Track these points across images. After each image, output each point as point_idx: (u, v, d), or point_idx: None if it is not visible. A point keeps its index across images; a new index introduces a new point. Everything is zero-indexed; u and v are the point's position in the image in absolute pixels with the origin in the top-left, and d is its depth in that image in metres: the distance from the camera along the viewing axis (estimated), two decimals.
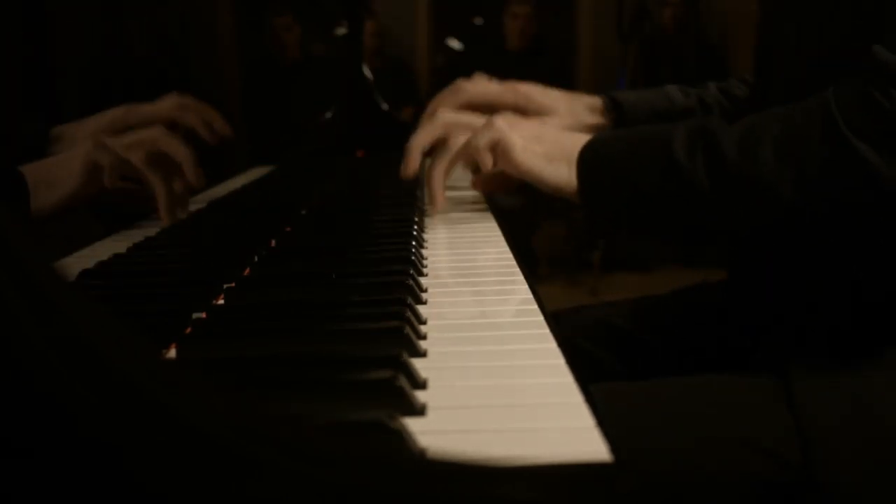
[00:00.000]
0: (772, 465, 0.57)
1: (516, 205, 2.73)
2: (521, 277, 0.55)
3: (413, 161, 0.79)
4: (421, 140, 0.80)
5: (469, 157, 0.75)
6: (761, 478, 0.57)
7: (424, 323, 0.44)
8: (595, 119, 0.87)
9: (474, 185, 0.84)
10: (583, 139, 0.68)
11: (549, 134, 0.72)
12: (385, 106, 1.39)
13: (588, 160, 0.66)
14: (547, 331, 0.42)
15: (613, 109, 0.86)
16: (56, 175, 0.68)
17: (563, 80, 3.83)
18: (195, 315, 0.45)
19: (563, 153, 0.68)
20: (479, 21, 4.23)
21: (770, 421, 0.59)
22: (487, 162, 0.72)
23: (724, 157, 0.58)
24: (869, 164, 0.54)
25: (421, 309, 0.46)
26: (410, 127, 0.87)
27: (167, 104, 0.87)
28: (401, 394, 0.32)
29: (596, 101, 0.87)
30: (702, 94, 0.90)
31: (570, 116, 0.85)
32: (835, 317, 0.65)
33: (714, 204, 0.60)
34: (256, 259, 0.59)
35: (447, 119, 0.80)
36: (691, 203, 0.61)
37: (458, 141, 0.75)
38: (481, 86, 0.89)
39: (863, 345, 0.62)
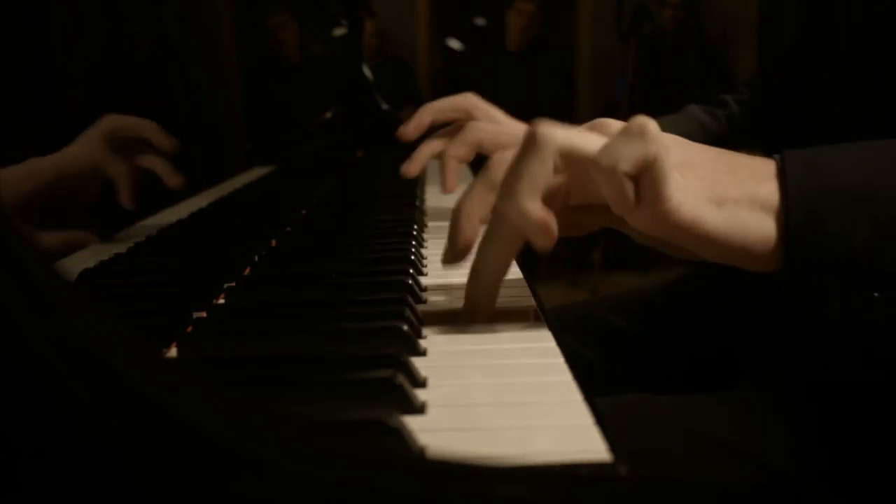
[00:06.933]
0: (760, 474, 0.57)
1: None
2: (520, 276, 0.55)
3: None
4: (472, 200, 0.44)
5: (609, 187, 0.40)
6: (750, 486, 0.56)
7: (424, 322, 0.44)
8: None
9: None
10: (758, 166, 0.42)
11: (703, 157, 0.42)
12: (385, 106, 1.40)
13: (817, 198, 0.40)
14: (546, 329, 0.42)
15: None
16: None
17: (563, 80, 3.84)
18: (196, 314, 0.45)
19: (746, 192, 0.41)
20: (479, 21, 4.23)
21: (758, 432, 0.59)
22: (629, 198, 0.40)
23: None
24: None
25: (421, 308, 0.46)
26: None
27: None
28: (401, 392, 0.32)
29: None
30: (729, 114, 0.85)
31: None
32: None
33: None
34: (256, 259, 0.60)
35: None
36: None
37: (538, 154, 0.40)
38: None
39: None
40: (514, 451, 0.28)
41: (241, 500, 0.19)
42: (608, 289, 3.01)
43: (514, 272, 0.57)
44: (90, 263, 0.58)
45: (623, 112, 3.03)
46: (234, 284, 0.52)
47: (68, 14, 0.79)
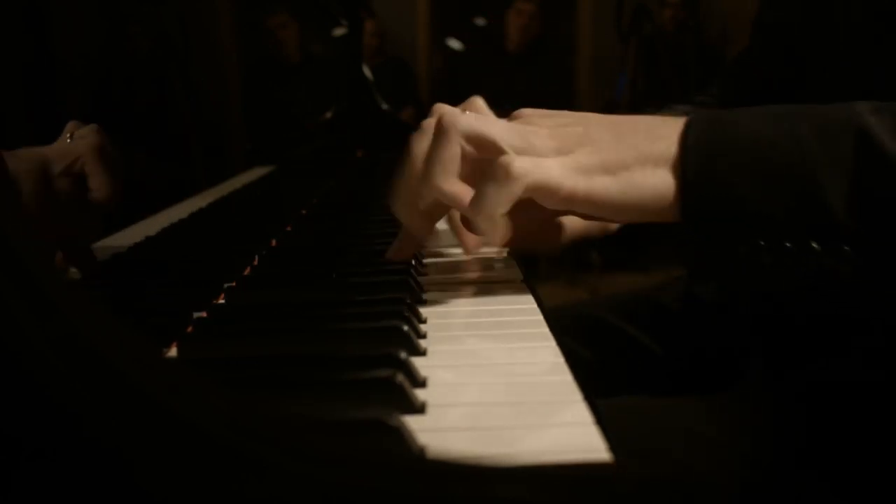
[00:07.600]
0: (760, 474, 0.57)
1: None
2: (521, 276, 0.55)
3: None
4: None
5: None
6: (750, 486, 0.56)
7: (424, 322, 0.44)
8: None
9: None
10: (661, 126, 0.46)
11: (600, 131, 0.46)
12: (385, 106, 1.40)
13: (710, 147, 0.43)
14: (546, 329, 0.42)
15: None
16: None
17: (562, 80, 3.84)
18: (196, 314, 0.45)
19: (637, 154, 0.44)
20: (479, 21, 4.23)
21: (757, 431, 0.59)
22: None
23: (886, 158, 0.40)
24: None
25: (421, 308, 0.46)
26: (411, 127, 0.86)
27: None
28: (400, 392, 0.32)
29: None
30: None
31: None
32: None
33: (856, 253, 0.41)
34: (256, 259, 0.59)
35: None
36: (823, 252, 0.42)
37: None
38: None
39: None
40: (514, 451, 0.28)
41: (241, 500, 0.19)
42: (608, 289, 3.01)
43: (514, 270, 0.56)
44: None
45: (623, 112, 3.03)
46: (234, 284, 0.52)
47: (68, 14, 0.79)
